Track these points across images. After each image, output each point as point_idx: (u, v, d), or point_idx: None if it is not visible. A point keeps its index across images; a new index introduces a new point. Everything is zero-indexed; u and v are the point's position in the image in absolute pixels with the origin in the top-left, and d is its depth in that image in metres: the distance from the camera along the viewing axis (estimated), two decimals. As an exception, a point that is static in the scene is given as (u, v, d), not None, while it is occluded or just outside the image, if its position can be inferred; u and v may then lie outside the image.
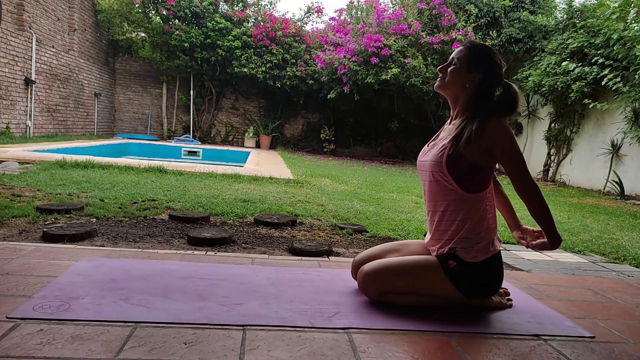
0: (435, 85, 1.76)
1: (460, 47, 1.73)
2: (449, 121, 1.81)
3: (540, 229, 1.68)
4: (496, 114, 1.62)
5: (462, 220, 1.64)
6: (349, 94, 11.35)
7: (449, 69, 1.71)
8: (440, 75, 1.75)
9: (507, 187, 1.89)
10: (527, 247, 1.74)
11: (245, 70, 12.31)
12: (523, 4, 11.34)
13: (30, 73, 8.75)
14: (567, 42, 8.91)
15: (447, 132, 1.75)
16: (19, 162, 5.13)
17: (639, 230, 4.26)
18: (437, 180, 1.67)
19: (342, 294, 1.78)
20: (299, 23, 13.53)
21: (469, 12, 10.80)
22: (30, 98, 8.80)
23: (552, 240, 1.61)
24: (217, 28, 12.15)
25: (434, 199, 1.71)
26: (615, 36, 6.91)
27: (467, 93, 1.69)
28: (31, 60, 8.76)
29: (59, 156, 5.41)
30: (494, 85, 1.69)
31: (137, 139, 11.65)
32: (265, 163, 7.83)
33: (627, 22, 6.95)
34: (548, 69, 9.08)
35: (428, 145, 1.81)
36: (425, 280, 1.65)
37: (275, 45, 12.49)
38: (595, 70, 7.95)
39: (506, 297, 1.82)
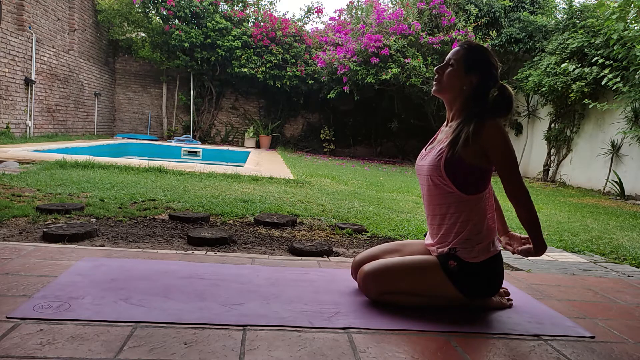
0: (433, 89, 1.75)
1: (457, 48, 1.72)
2: (445, 123, 1.80)
3: (527, 236, 1.68)
4: (492, 114, 1.62)
5: (464, 222, 1.64)
6: (349, 94, 11.35)
7: (446, 71, 1.70)
8: (436, 76, 1.75)
9: (497, 190, 1.88)
10: (513, 253, 1.74)
11: (245, 70, 12.31)
12: (523, 4, 11.34)
13: (30, 73, 8.75)
14: (567, 42, 8.91)
15: (444, 134, 1.74)
16: (19, 162, 5.13)
17: (639, 230, 4.26)
18: (436, 184, 1.67)
19: (342, 294, 1.78)
20: (299, 23, 13.54)
21: (469, 12, 10.80)
22: (30, 98, 8.80)
23: (537, 246, 1.61)
24: (217, 28, 12.15)
25: (434, 203, 1.70)
26: (615, 36, 6.91)
27: (464, 95, 1.69)
28: (31, 60, 8.76)
29: (59, 156, 5.41)
30: (490, 87, 1.68)
31: (137, 139, 11.65)
32: (265, 163, 7.83)
33: (627, 22, 6.95)
34: (548, 69, 9.08)
35: (425, 149, 1.80)
36: (425, 281, 1.65)
37: (275, 45, 12.49)
38: (595, 70, 7.95)
39: (506, 297, 1.82)
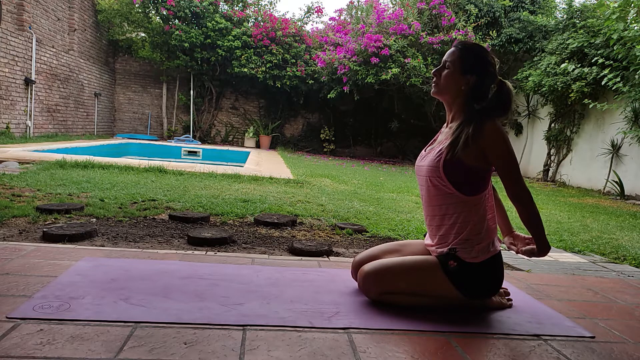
0: (432, 91, 1.76)
1: (452, 49, 1.70)
2: (445, 124, 1.80)
3: (531, 235, 1.67)
4: (491, 114, 1.62)
5: (463, 223, 1.64)
6: (349, 94, 11.35)
7: (443, 73, 1.70)
8: (434, 78, 1.74)
9: (500, 190, 1.88)
10: (517, 253, 1.74)
11: (245, 70, 12.31)
12: (523, 4, 11.34)
13: (30, 73, 8.75)
14: (567, 42, 8.91)
15: (444, 135, 1.74)
16: (19, 162, 5.13)
17: (639, 230, 4.26)
18: (435, 185, 1.66)
19: (342, 294, 1.78)
20: (299, 23, 13.53)
21: (469, 12, 10.80)
22: (30, 98, 8.80)
23: (541, 247, 1.61)
24: (217, 28, 12.15)
25: (433, 203, 1.70)
26: (615, 36, 6.91)
27: (462, 95, 1.69)
28: (31, 60, 8.76)
29: (59, 156, 5.41)
30: (488, 85, 1.67)
31: (137, 139, 11.64)
32: (265, 163, 7.83)
33: (627, 22, 6.95)
34: (548, 69, 9.08)
35: (425, 150, 1.80)
36: (425, 281, 1.65)
37: (275, 45, 12.49)
38: (595, 70, 7.95)
39: (506, 297, 1.82)
